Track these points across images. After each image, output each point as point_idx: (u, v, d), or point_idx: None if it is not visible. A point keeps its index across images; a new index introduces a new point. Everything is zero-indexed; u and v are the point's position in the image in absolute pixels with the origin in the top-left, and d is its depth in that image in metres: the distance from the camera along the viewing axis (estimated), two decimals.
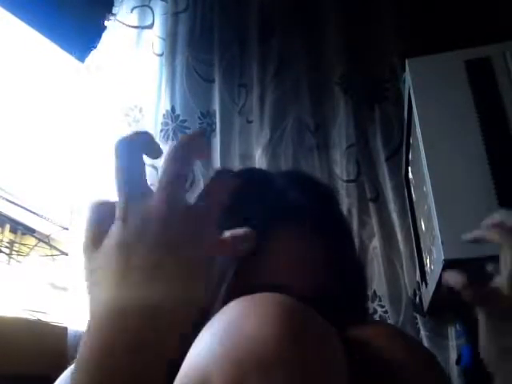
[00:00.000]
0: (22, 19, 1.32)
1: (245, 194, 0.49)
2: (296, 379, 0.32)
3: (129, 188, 0.35)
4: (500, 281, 0.53)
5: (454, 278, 0.55)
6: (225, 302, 0.35)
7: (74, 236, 1.17)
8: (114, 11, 1.38)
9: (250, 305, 0.36)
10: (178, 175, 0.35)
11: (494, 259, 0.71)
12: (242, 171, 0.65)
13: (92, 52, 1.34)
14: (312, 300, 0.39)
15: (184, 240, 0.34)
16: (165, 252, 0.34)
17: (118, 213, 0.35)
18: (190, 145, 0.36)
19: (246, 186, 0.52)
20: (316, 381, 0.33)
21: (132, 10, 1.37)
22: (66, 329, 1.03)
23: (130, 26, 1.35)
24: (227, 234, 0.37)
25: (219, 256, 0.39)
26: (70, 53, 1.42)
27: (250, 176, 0.56)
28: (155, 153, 0.37)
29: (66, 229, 1.33)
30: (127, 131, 1.39)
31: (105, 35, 1.36)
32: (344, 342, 0.37)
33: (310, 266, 0.48)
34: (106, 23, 1.38)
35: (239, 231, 0.37)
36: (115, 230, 0.35)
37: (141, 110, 1.28)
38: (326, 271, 0.48)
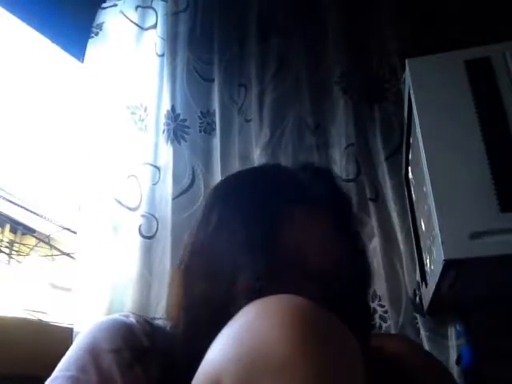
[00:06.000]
0: (20, 18, 1.32)
1: (264, 180, 0.55)
2: (308, 381, 0.32)
3: None
4: None
5: None
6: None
7: (79, 236, 1.16)
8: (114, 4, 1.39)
9: (263, 307, 0.37)
10: None
11: (494, 260, 0.71)
12: (266, 167, 0.70)
13: (92, 46, 1.34)
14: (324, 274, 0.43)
15: None
16: None
17: None
18: None
19: (270, 172, 0.58)
20: (328, 382, 0.33)
21: (136, 8, 1.37)
22: (70, 330, 1.03)
23: (133, 22, 1.36)
24: None
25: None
26: (69, 52, 1.42)
27: (273, 168, 0.63)
28: None
29: (67, 229, 1.33)
30: (132, 130, 1.39)
31: (106, 29, 1.36)
32: (365, 352, 0.37)
33: (324, 244, 0.51)
34: (105, 13, 1.37)
35: None
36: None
37: (146, 109, 1.28)
38: (338, 251, 0.51)
